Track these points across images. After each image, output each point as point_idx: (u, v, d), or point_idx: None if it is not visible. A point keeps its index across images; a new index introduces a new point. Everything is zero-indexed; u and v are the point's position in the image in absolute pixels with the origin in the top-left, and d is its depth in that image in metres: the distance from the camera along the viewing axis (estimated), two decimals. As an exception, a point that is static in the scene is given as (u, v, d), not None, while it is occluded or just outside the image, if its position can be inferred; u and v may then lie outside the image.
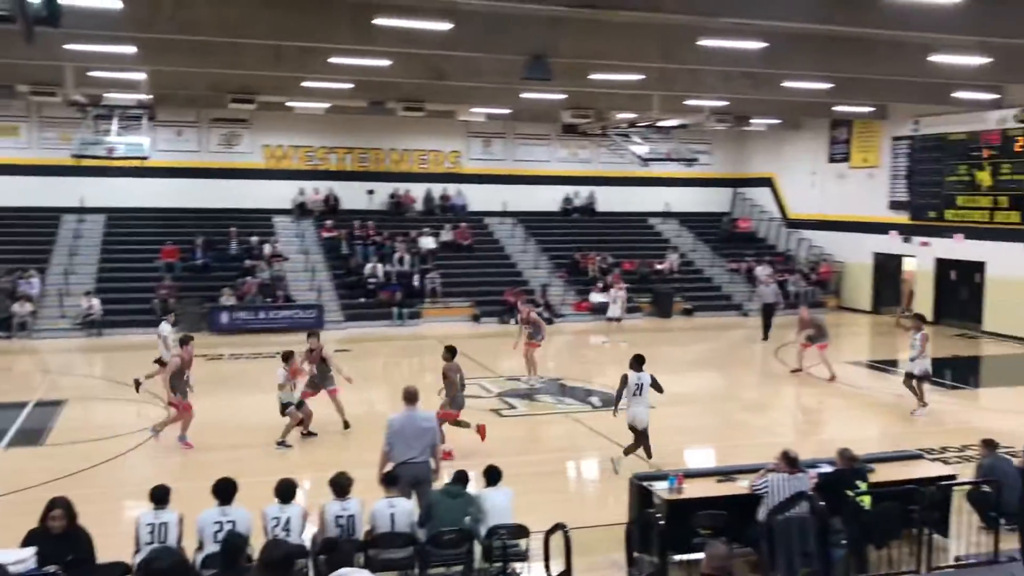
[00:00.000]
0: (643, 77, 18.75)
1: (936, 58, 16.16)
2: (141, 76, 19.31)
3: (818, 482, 8.76)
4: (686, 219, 33.33)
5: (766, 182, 33.52)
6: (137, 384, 15.43)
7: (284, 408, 13.07)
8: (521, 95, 22.30)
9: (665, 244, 31.62)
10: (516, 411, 15.62)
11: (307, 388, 13.76)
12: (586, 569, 8.49)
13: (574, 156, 33.07)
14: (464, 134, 31.64)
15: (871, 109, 26.50)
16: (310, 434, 13.53)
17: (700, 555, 7.25)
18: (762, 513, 8.35)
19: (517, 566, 8.06)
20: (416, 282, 26.61)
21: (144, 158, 21.14)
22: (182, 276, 25.58)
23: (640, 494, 9.04)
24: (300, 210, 29.58)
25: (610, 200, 32.93)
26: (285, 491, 7.86)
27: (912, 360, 15.51)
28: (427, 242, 28.46)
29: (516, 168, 32.37)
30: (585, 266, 28.96)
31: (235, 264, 26.43)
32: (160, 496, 7.72)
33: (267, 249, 26.98)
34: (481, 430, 12.72)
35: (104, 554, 7.26)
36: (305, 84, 20.96)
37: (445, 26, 13.71)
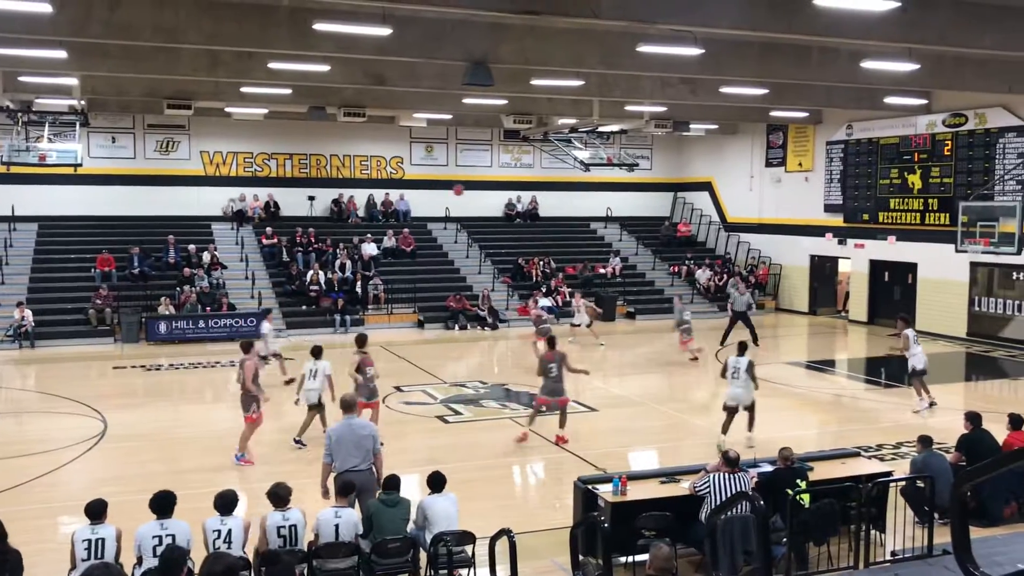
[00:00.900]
0: (583, 83, 18.91)
1: (868, 64, 16.58)
2: (73, 81, 18.90)
3: (759, 481, 8.92)
4: (628, 223, 33.64)
5: (705, 186, 34.00)
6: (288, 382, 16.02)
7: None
8: (463, 100, 22.31)
9: (608, 249, 31.86)
10: (461, 417, 15.59)
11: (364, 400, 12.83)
12: (532, 573, 8.52)
13: (517, 161, 33.19)
14: (406, 140, 31.54)
15: (806, 114, 27.07)
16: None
17: (645, 556, 7.32)
18: (704, 513, 8.47)
19: (463, 572, 8.04)
20: (359, 289, 26.42)
21: (77, 165, 20.70)
22: (118, 285, 25.01)
23: (585, 497, 9.09)
24: (238, 217, 29.18)
25: (553, 205, 33.09)
26: (225, 503, 7.73)
27: (914, 356, 15.80)
28: (369, 248, 28.27)
29: (458, 173, 32.36)
30: (529, 271, 29.04)
31: (173, 273, 25.97)
32: (96, 511, 7.53)
33: (206, 257, 26.55)
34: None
35: (39, 571, 7.07)
36: (244, 89, 20.70)
37: (384, 31, 13.64)
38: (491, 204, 32.66)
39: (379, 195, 31.20)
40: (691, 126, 27.04)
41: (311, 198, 30.35)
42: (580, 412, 15.84)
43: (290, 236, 28.20)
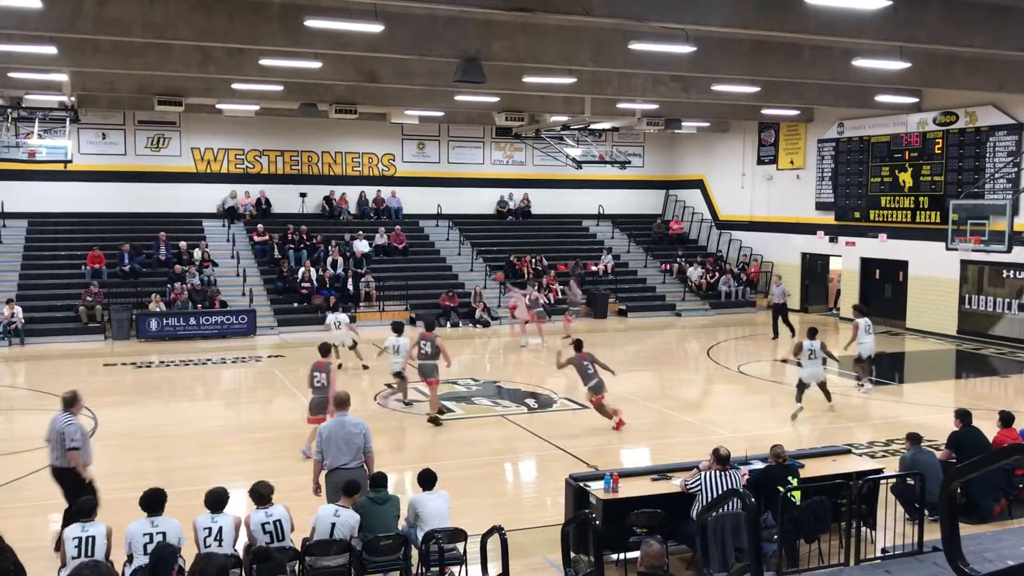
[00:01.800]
0: (575, 80, 18.89)
1: (859, 63, 16.61)
2: (63, 77, 18.81)
3: (750, 478, 8.94)
4: (619, 221, 33.66)
5: (697, 184, 34.04)
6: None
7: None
8: (455, 97, 22.28)
9: (599, 246, 31.88)
10: (453, 414, 15.58)
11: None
12: (523, 570, 8.53)
13: (509, 159, 33.17)
14: (398, 137, 31.47)
15: (797, 112, 27.12)
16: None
17: (636, 554, 7.33)
18: (695, 510, 8.48)
19: (454, 570, 8.04)
20: (350, 286, 26.38)
21: (67, 162, 20.63)
22: (109, 282, 24.93)
23: (576, 494, 9.09)
24: (229, 214, 29.09)
25: (545, 203, 33.09)
26: (216, 500, 7.71)
27: (861, 344, 17.24)
28: (361, 245, 28.22)
29: (450, 171, 32.32)
30: (520, 268, 29.03)
31: (164, 270, 25.88)
32: (86, 508, 7.51)
33: (197, 254, 26.46)
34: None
35: (30, 569, 7.04)
36: (235, 86, 20.63)
37: (376, 28, 13.61)
38: (483, 201, 32.64)
39: (371, 192, 31.15)
40: (683, 124, 27.09)
41: (303, 195, 30.28)
42: (572, 409, 15.88)
43: (281, 233, 28.13)
